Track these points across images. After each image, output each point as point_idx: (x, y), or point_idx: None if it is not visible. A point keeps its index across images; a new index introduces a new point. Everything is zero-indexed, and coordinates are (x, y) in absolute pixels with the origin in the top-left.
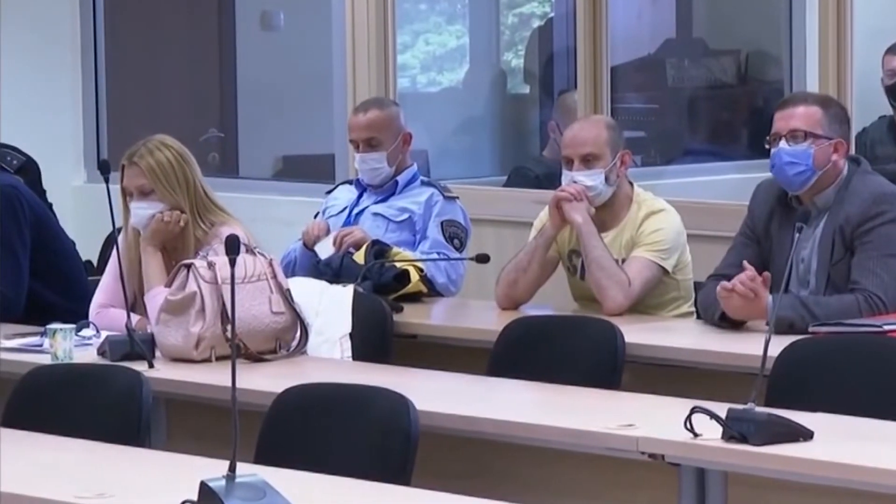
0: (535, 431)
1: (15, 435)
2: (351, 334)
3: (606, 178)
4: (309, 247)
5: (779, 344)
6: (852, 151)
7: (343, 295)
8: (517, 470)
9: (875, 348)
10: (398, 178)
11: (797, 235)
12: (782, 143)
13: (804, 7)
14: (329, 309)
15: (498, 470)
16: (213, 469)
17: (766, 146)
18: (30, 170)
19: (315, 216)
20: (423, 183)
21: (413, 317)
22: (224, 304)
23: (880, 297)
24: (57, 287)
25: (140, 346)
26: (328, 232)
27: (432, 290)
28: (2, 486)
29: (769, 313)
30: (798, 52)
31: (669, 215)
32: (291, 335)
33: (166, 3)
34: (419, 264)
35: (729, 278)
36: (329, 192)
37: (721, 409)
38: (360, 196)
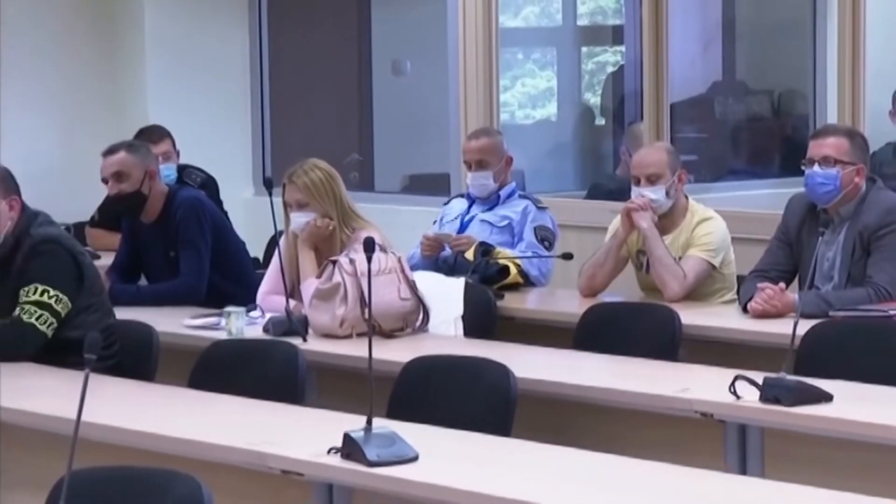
0: (610, 395)
1: (199, 395)
2: (463, 316)
3: (667, 193)
4: (427, 257)
5: (805, 325)
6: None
7: (457, 285)
8: (595, 425)
9: (883, 330)
10: (500, 192)
11: (820, 239)
12: (815, 167)
13: (825, 55)
14: (446, 296)
15: (579, 425)
16: (353, 423)
17: (802, 167)
18: (210, 185)
19: (434, 223)
20: (520, 196)
21: (512, 303)
22: (362, 292)
23: (888, 289)
24: (231, 278)
25: (296, 325)
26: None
27: (527, 281)
28: (192, 435)
29: (796, 309)
30: (821, 91)
31: (717, 222)
32: (416, 317)
33: (319, 53)
34: (517, 261)
35: (766, 274)
36: (445, 203)
37: (759, 377)
38: (469, 206)
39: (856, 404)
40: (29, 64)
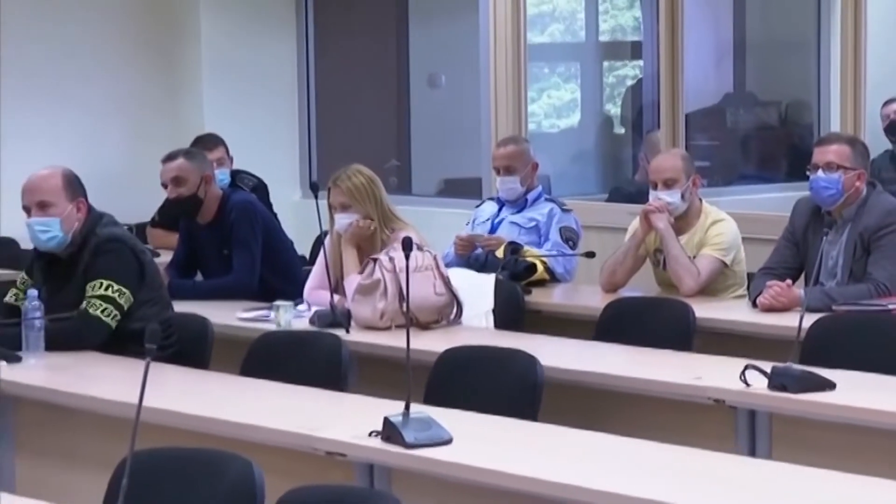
0: (630, 382)
1: (250, 382)
2: (493, 310)
3: (682, 196)
4: (461, 256)
5: (810, 318)
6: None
7: (488, 281)
8: (615, 411)
9: (882, 323)
10: (528, 195)
11: (824, 239)
12: (819, 172)
13: (829, 69)
14: (478, 291)
15: (601, 410)
16: (393, 408)
17: (807, 173)
18: (260, 189)
19: (466, 224)
20: (546, 199)
21: (539, 297)
22: (401, 287)
23: (887, 285)
24: (280, 274)
25: (340, 317)
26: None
27: (553, 277)
28: (244, 419)
29: (802, 303)
30: (825, 102)
31: (729, 223)
32: (450, 310)
33: (361, 67)
34: (544, 259)
35: (773, 271)
36: (477, 205)
37: (767, 366)
38: (500, 209)
39: (857, 392)
40: (96, 77)
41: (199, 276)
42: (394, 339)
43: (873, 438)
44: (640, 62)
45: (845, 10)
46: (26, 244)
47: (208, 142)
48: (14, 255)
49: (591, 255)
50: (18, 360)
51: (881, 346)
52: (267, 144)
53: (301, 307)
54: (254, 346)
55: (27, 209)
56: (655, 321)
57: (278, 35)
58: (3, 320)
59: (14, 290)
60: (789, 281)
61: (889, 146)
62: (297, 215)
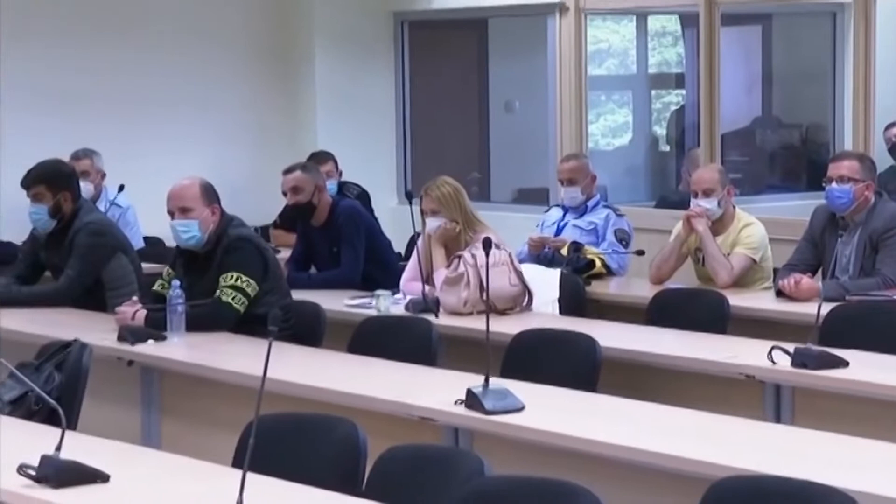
0: (674, 360)
1: (356, 359)
2: (559, 299)
3: (718, 203)
4: (532, 253)
5: (827, 307)
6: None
7: (554, 275)
8: (661, 384)
9: (889, 311)
10: (588, 203)
11: (838, 240)
12: (834, 184)
13: (843, 96)
14: (546, 283)
15: (650, 384)
16: (474, 380)
17: (823, 184)
18: (364, 197)
19: (536, 226)
20: (603, 206)
21: (597, 288)
22: (481, 280)
23: (893, 279)
24: (380, 268)
25: (430, 304)
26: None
27: (609, 272)
28: (350, 389)
29: (820, 294)
30: (839, 125)
31: (758, 226)
32: (523, 299)
33: (448, 95)
34: (601, 256)
35: (796, 267)
36: (545, 211)
37: (790, 347)
38: (564, 214)
39: (867, 369)
40: (230, 106)
41: (313, 270)
42: (475, 323)
43: (881, 408)
44: (683, 91)
45: (857, 45)
46: (170, 243)
47: (320, 157)
48: (160, 252)
49: (641, 253)
50: (164, 339)
51: (888, 330)
52: (369, 159)
53: (398, 296)
54: (359, 328)
55: (171, 213)
56: (695, 309)
57: (379, 69)
58: (152, 306)
59: (160, 281)
60: (809, 274)
61: (893, 162)
62: (395, 219)
